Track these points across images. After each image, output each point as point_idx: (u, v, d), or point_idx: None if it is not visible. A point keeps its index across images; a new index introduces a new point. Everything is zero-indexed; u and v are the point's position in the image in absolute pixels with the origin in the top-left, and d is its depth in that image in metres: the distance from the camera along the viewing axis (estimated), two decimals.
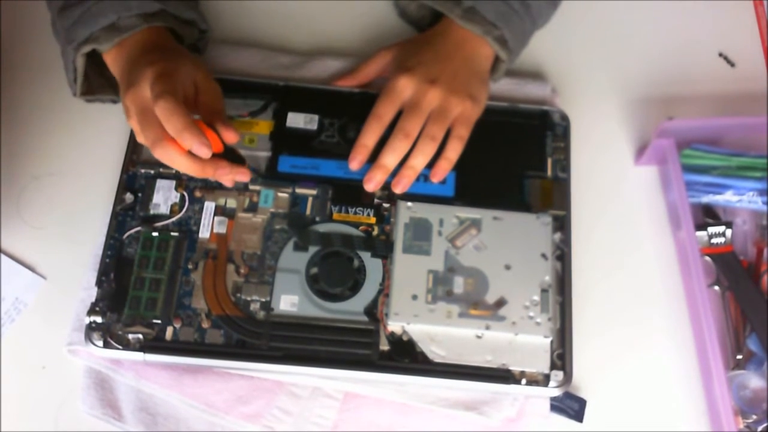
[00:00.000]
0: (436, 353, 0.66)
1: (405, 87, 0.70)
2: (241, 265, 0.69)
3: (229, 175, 0.67)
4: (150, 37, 0.66)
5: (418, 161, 0.70)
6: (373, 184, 0.71)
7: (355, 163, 0.71)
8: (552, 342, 0.67)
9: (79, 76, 0.68)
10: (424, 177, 0.73)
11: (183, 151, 0.62)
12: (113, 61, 0.66)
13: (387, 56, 0.76)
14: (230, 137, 0.65)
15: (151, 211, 0.71)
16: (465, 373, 0.66)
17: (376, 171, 0.70)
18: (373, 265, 0.69)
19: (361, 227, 0.71)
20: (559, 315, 0.68)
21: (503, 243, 0.70)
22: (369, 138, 0.70)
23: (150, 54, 0.64)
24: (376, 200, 0.72)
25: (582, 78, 0.82)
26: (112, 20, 0.65)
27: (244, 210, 0.71)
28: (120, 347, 0.65)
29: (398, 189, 0.71)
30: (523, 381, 0.66)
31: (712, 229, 0.74)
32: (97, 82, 0.70)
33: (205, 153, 0.61)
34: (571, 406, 0.68)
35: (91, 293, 0.67)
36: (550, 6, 0.78)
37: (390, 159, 0.70)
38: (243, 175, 0.68)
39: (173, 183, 0.72)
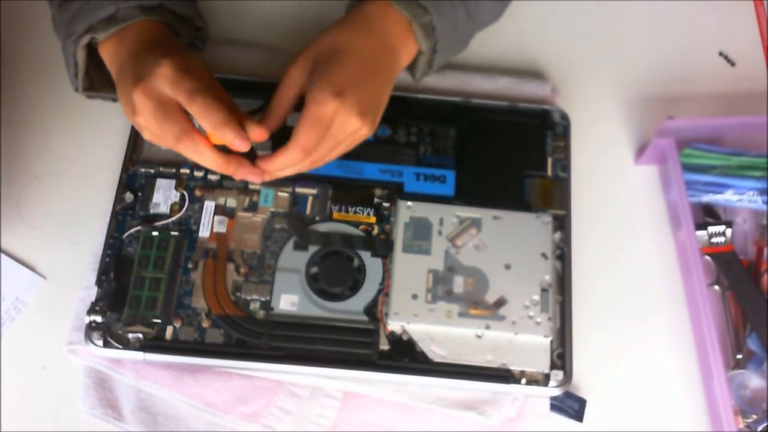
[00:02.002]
0: (436, 353, 0.66)
1: (334, 116, 0.61)
2: (241, 264, 0.69)
3: (247, 175, 0.63)
4: (151, 34, 0.65)
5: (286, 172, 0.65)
6: (252, 178, 0.64)
7: (257, 179, 0.64)
8: (552, 341, 0.67)
9: (80, 70, 0.67)
10: (424, 176, 0.73)
11: (210, 145, 0.61)
12: (111, 56, 0.65)
13: (300, 76, 0.64)
14: (261, 135, 0.61)
15: (151, 211, 0.71)
16: (465, 372, 0.66)
17: (262, 175, 0.64)
18: (373, 265, 0.69)
19: (361, 226, 0.71)
20: (559, 314, 0.68)
21: (503, 242, 0.70)
22: (284, 169, 0.64)
23: (157, 49, 0.63)
24: (376, 199, 0.72)
25: (582, 78, 0.82)
26: (110, 12, 0.64)
27: (244, 209, 0.71)
28: (120, 347, 0.65)
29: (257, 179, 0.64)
30: (523, 380, 0.66)
31: (712, 229, 0.74)
32: (98, 79, 0.70)
33: (244, 146, 0.60)
34: (571, 405, 0.68)
35: (91, 292, 0.67)
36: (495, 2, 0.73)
37: (285, 173, 0.65)
38: (256, 176, 0.63)
39: (173, 182, 0.72)
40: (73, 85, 0.69)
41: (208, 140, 0.61)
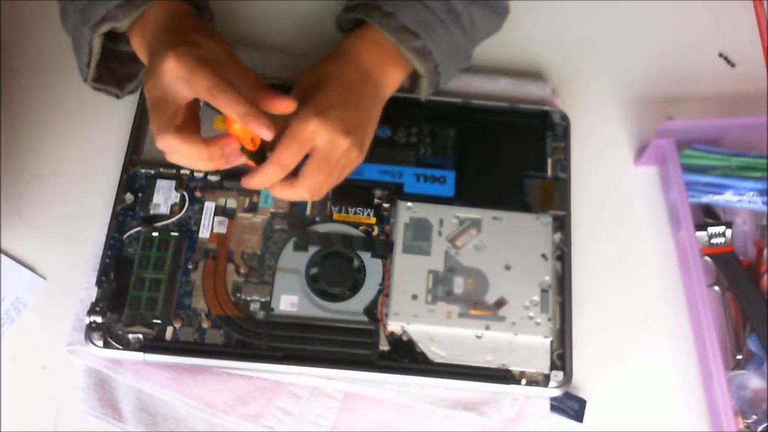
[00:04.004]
0: (436, 353, 0.66)
1: (315, 134, 0.60)
2: (241, 265, 0.69)
3: (236, 160, 0.61)
4: (169, 17, 0.63)
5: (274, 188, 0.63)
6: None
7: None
8: (552, 342, 0.67)
9: (93, 58, 0.65)
10: (424, 177, 0.73)
11: (186, 140, 0.58)
12: (139, 45, 0.64)
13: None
14: (288, 106, 0.59)
15: (152, 211, 0.71)
16: (465, 373, 0.66)
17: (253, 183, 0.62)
18: (373, 265, 0.69)
19: (361, 227, 0.71)
20: (559, 315, 0.68)
21: (503, 243, 0.70)
22: (263, 185, 0.62)
23: (170, 36, 0.61)
24: (376, 200, 0.72)
25: (582, 78, 0.82)
26: None
27: (244, 210, 0.71)
28: (120, 347, 0.65)
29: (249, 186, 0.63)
30: (523, 381, 0.66)
31: (712, 229, 0.74)
32: (103, 71, 0.69)
33: (269, 135, 0.57)
34: (571, 406, 0.68)
35: (91, 293, 0.67)
36: (489, 14, 0.72)
37: (264, 185, 0.63)
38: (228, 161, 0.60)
39: (173, 183, 0.72)
40: (82, 75, 0.68)
41: (182, 137, 0.58)
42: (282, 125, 0.61)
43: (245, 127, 0.58)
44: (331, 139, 0.61)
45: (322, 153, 0.61)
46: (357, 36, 0.67)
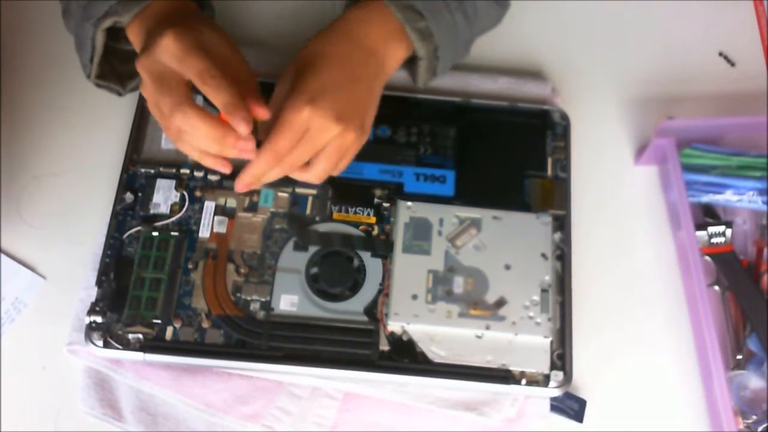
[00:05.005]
0: (436, 353, 0.66)
1: (308, 121, 0.60)
2: (241, 264, 0.69)
3: (243, 151, 0.60)
4: (170, 10, 0.63)
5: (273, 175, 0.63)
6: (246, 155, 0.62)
7: (242, 187, 0.63)
8: (552, 342, 0.67)
9: (96, 54, 0.66)
10: (424, 176, 0.73)
11: (204, 117, 0.58)
12: (135, 36, 0.64)
13: (285, 91, 0.63)
14: (262, 113, 0.60)
15: (151, 211, 0.71)
16: (465, 373, 0.66)
17: (249, 180, 0.62)
18: (373, 265, 0.69)
19: (361, 227, 0.71)
20: (559, 315, 0.68)
21: (503, 243, 0.70)
22: (259, 175, 0.62)
23: (168, 21, 0.61)
24: (376, 200, 0.72)
25: (582, 78, 0.82)
26: None
27: (244, 209, 0.71)
28: (120, 347, 0.65)
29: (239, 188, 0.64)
30: (523, 381, 0.66)
31: (712, 229, 0.74)
32: (106, 68, 0.69)
33: (244, 129, 0.58)
34: (571, 406, 0.68)
35: (91, 293, 0.67)
36: (491, 4, 0.72)
37: (260, 175, 0.63)
38: (248, 153, 0.60)
39: (173, 182, 0.72)
40: (85, 71, 0.68)
41: (202, 113, 0.59)
42: (275, 113, 0.61)
43: (225, 117, 0.58)
44: (322, 126, 0.60)
45: (310, 136, 0.61)
46: (362, 7, 0.66)
